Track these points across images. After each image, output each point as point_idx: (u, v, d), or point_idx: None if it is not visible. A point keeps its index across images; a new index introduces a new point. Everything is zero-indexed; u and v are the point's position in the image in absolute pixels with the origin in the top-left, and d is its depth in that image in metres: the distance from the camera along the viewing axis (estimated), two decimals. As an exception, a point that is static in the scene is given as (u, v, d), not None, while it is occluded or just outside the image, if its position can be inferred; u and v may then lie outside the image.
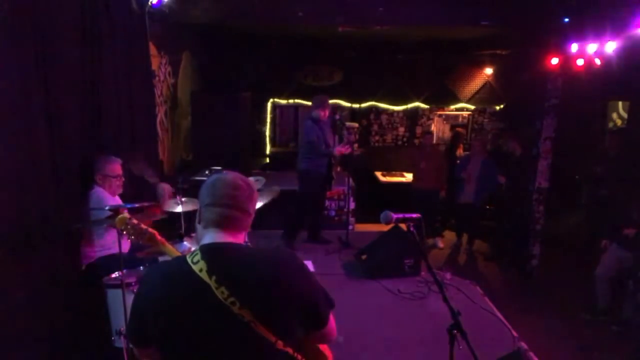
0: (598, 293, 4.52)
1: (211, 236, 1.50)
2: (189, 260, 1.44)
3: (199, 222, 1.56)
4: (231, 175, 1.57)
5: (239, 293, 1.38)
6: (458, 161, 6.92)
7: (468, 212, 6.36)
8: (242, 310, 1.38)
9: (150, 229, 2.28)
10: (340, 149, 5.51)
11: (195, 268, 1.41)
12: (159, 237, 2.29)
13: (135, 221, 2.33)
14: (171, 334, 1.43)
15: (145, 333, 1.47)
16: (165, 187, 3.57)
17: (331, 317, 1.59)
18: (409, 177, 8.00)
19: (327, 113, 5.48)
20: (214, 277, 1.39)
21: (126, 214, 2.45)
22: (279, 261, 1.49)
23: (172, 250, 2.35)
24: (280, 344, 1.43)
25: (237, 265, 1.44)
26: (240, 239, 1.54)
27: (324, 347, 1.80)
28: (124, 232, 2.35)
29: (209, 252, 1.45)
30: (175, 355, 1.46)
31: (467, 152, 6.97)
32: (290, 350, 1.48)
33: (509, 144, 6.11)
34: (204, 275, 1.39)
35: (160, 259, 3.20)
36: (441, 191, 6.42)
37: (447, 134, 8.56)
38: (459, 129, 8.11)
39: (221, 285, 1.38)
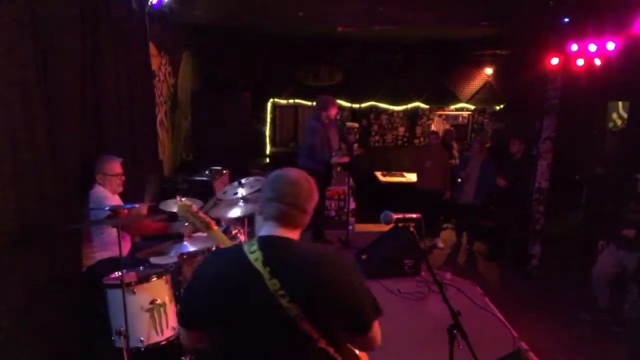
0: (596, 293, 4.51)
1: (269, 229, 1.56)
2: (245, 249, 1.50)
3: (260, 214, 1.61)
4: (294, 173, 1.62)
5: (289, 287, 1.43)
6: (455, 160, 6.93)
7: (468, 212, 6.36)
8: (290, 304, 1.42)
9: (207, 218, 2.35)
10: (337, 160, 5.51)
11: (251, 257, 1.47)
12: (214, 226, 2.36)
13: (195, 209, 2.41)
14: (221, 318, 1.50)
15: (197, 316, 1.56)
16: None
17: (376, 325, 1.59)
18: (409, 177, 8.00)
19: (335, 112, 5.45)
20: (267, 269, 1.44)
21: (188, 201, 2.56)
22: (332, 262, 1.53)
23: (224, 239, 2.41)
24: (322, 342, 1.47)
25: (291, 260, 1.49)
26: (296, 235, 1.59)
27: (361, 354, 1.81)
28: (184, 219, 2.44)
29: (266, 244, 1.51)
30: (222, 339, 1.53)
31: (466, 153, 6.96)
32: (331, 350, 1.51)
33: (511, 145, 6.10)
34: (258, 265, 1.45)
35: (156, 260, 3.21)
36: (446, 191, 6.41)
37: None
38: (448, 127, 8.12)
39: (273, 277, 1.43)
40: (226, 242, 2.38)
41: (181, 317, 1.66)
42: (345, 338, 1.58)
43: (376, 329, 1.59)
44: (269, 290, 1.43)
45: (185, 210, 2.40)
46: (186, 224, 2.63)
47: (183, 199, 3.46)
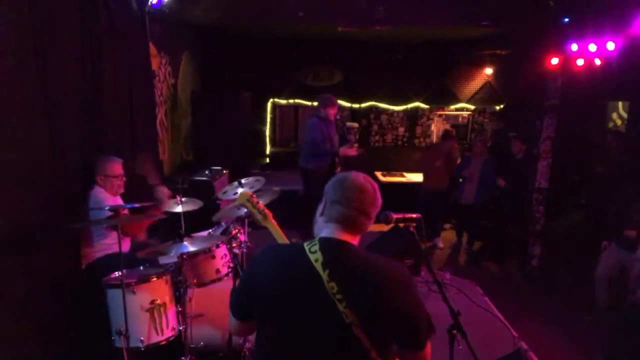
0: (598, 293, 4.51)
1: (331, 231, 1.56)
2: (306, 248, 1.51)
3: (321, 215, 1.61)
4: (361, 177, 1.61)
5: (347, 293, 1.42)
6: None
7: (469, 212, 6.36)
8: (346, 309, 1.41)
9: (266, 209, 2.36)
10: (345, 150, 5.50)
11: (312, 257, 1.47)
12: (272, 219, 2.37)
13: (255, 199, 2.42)
14: (276, 314, 1.51)
15: (250, 308, 1.56)
16: (164, 190, 3.58)
17: (428, 344, 1.58)
18: (409, 177, 8.00)
19: (334, 112, 5.46)
20: (327, 271, 1.44)
21: (249, 191, 2.60)
22: (391, 274, 1.51)
23: (280, 234, 2.39)
24: (374, 353, 1.46)
25: (351, 266, 1.48)
26: (357, 240, 1.59)
27: None
28: (246, 207, 2.47)
29: (328, 246, 1.51)
30: (274, 334, 1.53)
31: (467, 153, 6.96)
32: None
33: (513, 145, 6.09)
34: (318, 266, 1.45)
35: (159, 259, 3.21)
36: (452, 191, 6.42)
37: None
38: (448, 128, 8.13)
39: (332, 281, 1.43)
40: (281, 237, 2.35)
41: (235, 306, 1.67)
42: (397, 352, 1.56)
43: (429, 348, 1.59)
44: (327, 292, 1.43)
45: (246, 199, 2.43)
46: (245, 211, 2.67)
47: (184, 199, 3.48)
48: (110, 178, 3.36)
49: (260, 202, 2.45)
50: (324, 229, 1.58)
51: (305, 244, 1.53)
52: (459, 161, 6.95)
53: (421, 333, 1.54)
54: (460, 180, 6.39)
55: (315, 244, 1.51)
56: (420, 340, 1.55)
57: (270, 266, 1.57)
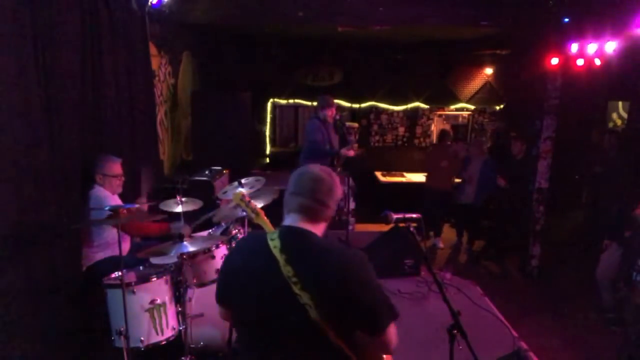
0: (601, 293, 4.51)
1: (290, 221, 1.65)
2: (268, 237, 1.61)
3: (284, 208, 1.70)
4: (317, 169, 1.70)
5: (302, 275, 1.50)
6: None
7: (468, 212, 6.36)
8: (301, 292, 1.48)
9: (258, 208, 2.47)
10: (345, 151, 5.51)
11: (271, 244, 1.57)
12: (264, 216, 2.47)
13: (248, 198, 2.54)
14: (240, 297, 1.63)
15: (223, 294, 1.72)
16: (142, 201, 3.65)
17: (391, 328, 1.62)
18: (409, 177, 8.01)
19: (333, 112, 5.46)
20: (284, 256, 1.53)
21: (243, 190, 2.74)
22: (348, 260, 1.57)
23: (271, 229, 2.45)
24: (332, 335, 1.50)
25: (306, 250, 1.56)
26: (319, 229, 1.67)
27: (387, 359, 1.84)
28: (239, 207, 2.60)
29: (285, 233, 1.61)
30: (240, 317, 1.67)
31: (466, 154, 6.96)
32: (342, 345, 1.53)
33: (513, 145, 6.10)
34: (276, 252, 1.54)
35: (156, 260, 3.21)
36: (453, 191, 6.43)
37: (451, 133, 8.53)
38: (444, 128, 8.14)
39: (288, 264, 1.51)
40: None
41: (217, 293, 1.77)
42: (362, 339, 1.59)
43: (391, 333, 1.62)
44: (283, 275, 1.50)
45: (239, 199, 2.54)
46: (240, 211, 2.80)
47: (184, 199, 3.49)
48: (109, 177, 3.38)
49: (252, 201, 2.54)
50: (285, 219, 1.67)
51: (268, 233, 1.63)
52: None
53: (381, 317, 1.57)
54: (460, 180, 6.40)
55: (275, 233, 1.62)
56: (381, 324, 1.57)
57: (239, 253, 1.72)
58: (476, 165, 6.23)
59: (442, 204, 6.28)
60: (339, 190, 1.71)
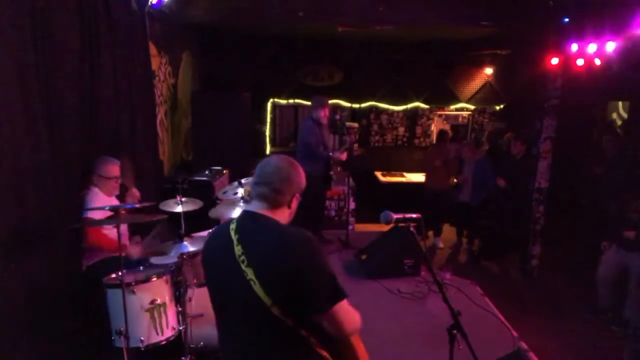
0: (599, 294, 4.51)
1: (251, 207, 1.78)
2: (230, 221, 1.77)
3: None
4: (277, 159, 1.80)
5: (247, 253, 1.62)
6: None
7: (466, 212, 6.40)
8: (247, 268, 1.59)
9: None
10: (338, 155, 5.51)
11: (231, 227, 1.73)
12: None
13: None
14: (207, 277, 1.82)
15: (206, 280, 1.85)
16: (135, 192, 3.72)
17: (340, 308, 1.63)
18: (409, 177, 8.01)
19: (326, 113, 5.47)
20: (237, 236, 1.68)
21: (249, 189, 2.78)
22: (292, 239, 1.64)
23: None
24: (276, 310, 1.56)
25: (256, 231, 1.68)
26: (280, 214, 1.76)
27: (361, 351, 1.90)
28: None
29: (242, 216, 1.76)
30: (212, 301, 1.81)
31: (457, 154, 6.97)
32: (290, 322, 1.59)
33: (513, 146, 6.10)
34: (232, 233, 1.70)
35: (156, 260, 3.21)
36: (452, 191, 6.45)
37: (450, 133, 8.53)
38: (444, 128, 8.14)
39: (239, 244, 1.65)
40: None
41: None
42: (316, 321, 1.63)
43: (340, 313, 1.63)
44: (235, 254, 1.63)
45: (248, 194, 2.57)
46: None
47: (184, 199, 3.49)
48: (104, 179, 3.37)
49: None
50: (248, 207, 1.80)
51: (232, 219, 1.78)
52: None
53: (321, 296, 1.59)
54: (455, 181, 6.47)
55: (236, 218, 1.77)
56: (321, 304, 1.60)
57: (210, 238, 1.88)
58: (468, 168, 6.26)
59: (438, 204, 6.28)
60: (297, 179, 1.78)
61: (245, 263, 1.59)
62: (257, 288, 1.55)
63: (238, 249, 1.63)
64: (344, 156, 5.56)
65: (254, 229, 1.68)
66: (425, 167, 6.71)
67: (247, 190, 2.58)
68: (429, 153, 6.83)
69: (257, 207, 1.75)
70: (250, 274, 1.57)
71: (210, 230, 2.00)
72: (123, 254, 2.84)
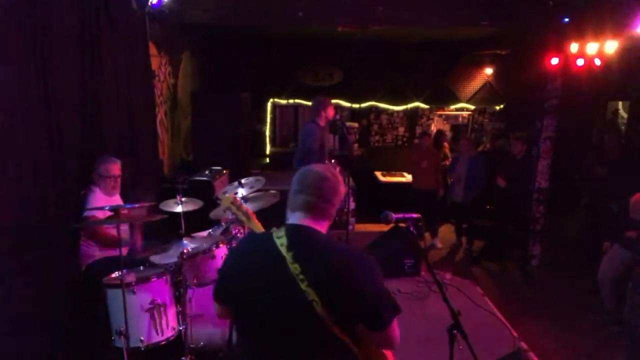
0: (602, 295, 4.50)
1: (295, 218, 1.67)
2: (274, 235, 1.62)
3: (288, 207, 1.72)
4: (321, 168, 1.74)
5: (308, 272, 1.52)
6: (447, 160, 6.96)
7: (459, 211, 6.42)
8: (308, 288, 1.50)
9: (249, 210, 2.51)
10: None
11: (278, 242, 1.59)
12: (255, 220, 2.50)
13: (239, 201, 2.57)
14: (246, 297, 1.63)
15: (227, 291, 1.71)
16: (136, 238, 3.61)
17: (394, 325, 1.65)
18: (409, 177, 8.00)
19: (332, 113, 5.39)
20: (291, 253, 1.55)
21: (232, 195, 2.80)
22: (352, 257, 1.60)
23: (262, 230, 2.49)
24: (336, 330, 1.53)
25: (313, 248, 1.59)
26: (323, 226, 1.69)
27: (388, 354, 1.87)
28: (230, 210, 2.59)
29: (292, 231, 1.62)
30: (244, 316, 1.67)
31: (456, 154, 6.98)
32: (347, 340, 1.58)
33: (513, 146, 6.10)
34: (283, 250, 1.56)
35: (156, 260, 3.21)
36: (440, 190, 6.44)
37: (448, 134, 8.55)
38: (441, 129, 8.15)
39: (295, 262, 1.53)
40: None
41: (215, 290, 1.78)
42: (365, 334, 1.63)
43: (394, 329, 1.65)
44: (291, 273, 1.52)
45: (230, 202, 2.56)
46: (230, 214, 2.78)
47: (183, 199, 3.49)
48: (103, 177, 3.36)
49: (243, 204, 2.56)
50: (289, 218, 1.69)
51: (273, 232, 1.64)
52: (447, 162, 7.01)
53: (383, 315, 1.60)
54: (450, 180, 6.47)
55: (282, 231, 1.63)
56: (383, 322, 1.61)
57: (242, 253, 1.74)
58: (463, 164, 6.27)
59: (427, 203, 6.25)
60: (342, 189, 1.73)
61: (306, 283, 1.50)
62: (319, 308, 1.49)
63: (295, 268, 1.52)
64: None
65: (311, 246, 1.60)
66: (411, 167, 6.72)
67: (229, 198, 2.56)
68: (414, 153, 6.75)
69: (303, 218, 1.65)
70: (312, 294, 1.49)
71: (236, 243, 1.83)
72: (125, 252, 2.84)
